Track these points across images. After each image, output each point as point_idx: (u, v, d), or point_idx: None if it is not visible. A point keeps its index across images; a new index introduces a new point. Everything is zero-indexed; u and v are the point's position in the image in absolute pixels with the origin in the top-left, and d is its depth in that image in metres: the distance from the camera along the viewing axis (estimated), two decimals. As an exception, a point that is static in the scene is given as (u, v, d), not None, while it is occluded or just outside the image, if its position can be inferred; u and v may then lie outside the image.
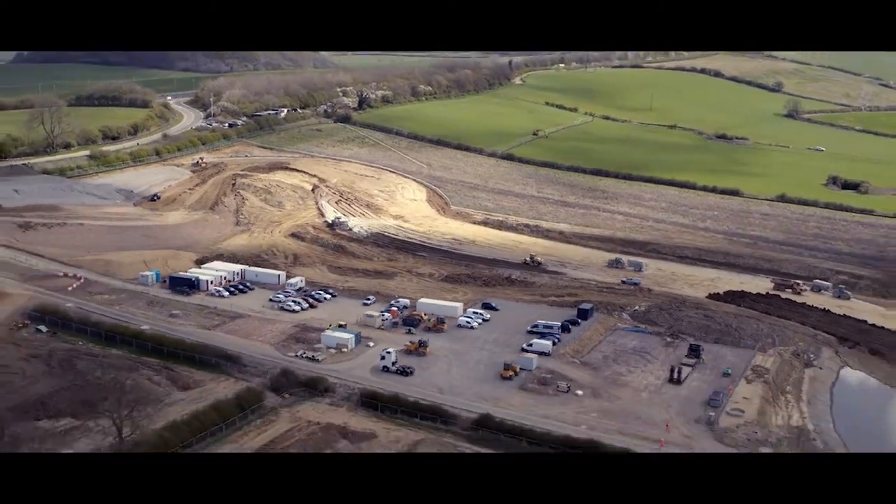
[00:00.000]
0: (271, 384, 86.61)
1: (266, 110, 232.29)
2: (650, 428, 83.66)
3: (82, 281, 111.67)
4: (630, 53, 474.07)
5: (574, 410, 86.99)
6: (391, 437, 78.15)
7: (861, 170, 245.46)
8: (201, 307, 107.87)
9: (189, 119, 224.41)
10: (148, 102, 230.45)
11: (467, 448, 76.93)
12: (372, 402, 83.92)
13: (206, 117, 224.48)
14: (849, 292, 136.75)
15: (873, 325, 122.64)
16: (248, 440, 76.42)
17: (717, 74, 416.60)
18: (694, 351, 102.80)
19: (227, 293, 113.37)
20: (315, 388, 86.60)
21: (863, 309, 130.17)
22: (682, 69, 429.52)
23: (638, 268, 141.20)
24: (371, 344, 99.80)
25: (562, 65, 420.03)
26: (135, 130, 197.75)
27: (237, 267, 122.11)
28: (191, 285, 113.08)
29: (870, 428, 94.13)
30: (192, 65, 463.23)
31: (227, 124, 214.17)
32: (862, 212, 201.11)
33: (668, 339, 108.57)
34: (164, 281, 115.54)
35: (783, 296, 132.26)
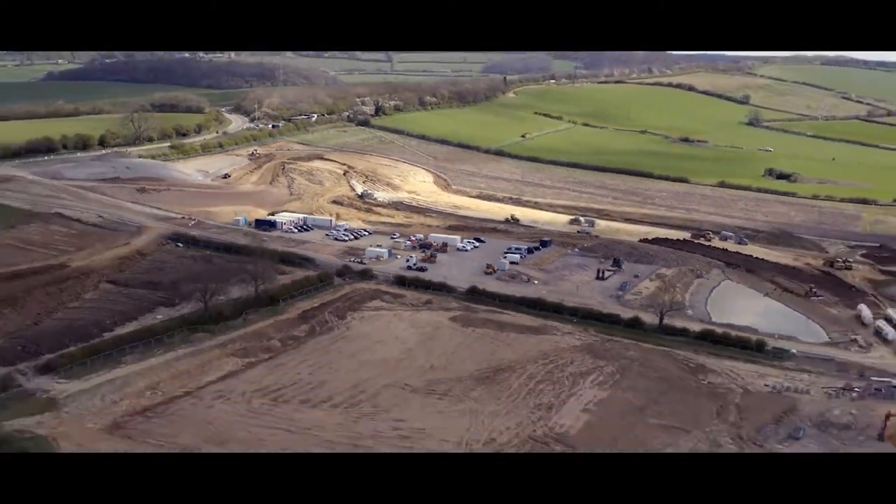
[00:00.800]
0: (336, 273, 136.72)
1: (300, 115, 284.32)
2: (577, 298, 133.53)
3: (196, 221, 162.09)
4: (616, 71, 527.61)
5: (531, 290, 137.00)
6: (414, 296, 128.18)
7: (798, 165, 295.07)
8: (280, 237, 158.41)
9: (238, 122, 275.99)
10: (202, 109, 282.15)
11: (459, 304, 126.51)
12: (401, 281, 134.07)
13: (252, 120, 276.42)
14: (746, 240, 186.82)
15: (756, 258, 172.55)
16: (327, 296, 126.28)
17: (691, 89, 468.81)
18: (616, 263, 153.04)
19: (297, 230, 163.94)
20: (364, 275, 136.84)
21: (753, 250, 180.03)
22: (661, 84, 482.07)
23: (591, 223, 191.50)
24: (398, 257, 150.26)
25: (552, 80, 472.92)
26: (199, 129, 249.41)
27: (301, 215, 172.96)
28: (271, 224, 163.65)
29: (729, 307, 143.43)
30: (214, 82, 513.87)
31: (270, 125, 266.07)
32: (785, 194, 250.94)
33: (602, 260, 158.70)
34: (251, 224, 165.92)
35: (696, 241, 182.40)
